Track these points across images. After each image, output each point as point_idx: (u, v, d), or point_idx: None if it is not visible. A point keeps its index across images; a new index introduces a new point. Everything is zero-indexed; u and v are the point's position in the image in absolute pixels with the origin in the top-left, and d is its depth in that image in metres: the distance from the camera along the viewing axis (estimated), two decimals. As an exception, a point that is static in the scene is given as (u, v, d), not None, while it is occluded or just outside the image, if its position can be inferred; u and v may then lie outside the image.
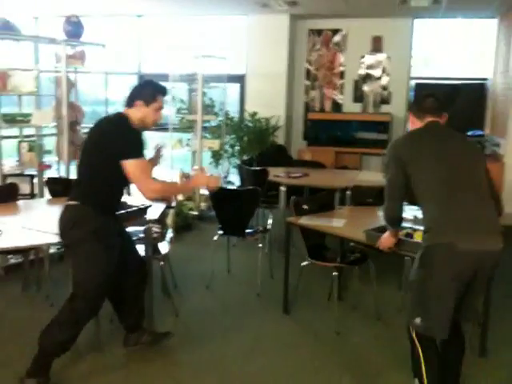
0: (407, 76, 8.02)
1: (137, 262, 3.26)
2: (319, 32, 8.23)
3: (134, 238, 3.91)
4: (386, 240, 2.94)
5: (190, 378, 3.08)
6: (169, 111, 7.07)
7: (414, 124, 2.79)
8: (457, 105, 7.56)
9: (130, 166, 2.80)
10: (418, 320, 2.53)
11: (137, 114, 2.92)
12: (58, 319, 2.87)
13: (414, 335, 2.58)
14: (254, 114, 7.76)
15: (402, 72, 7.98)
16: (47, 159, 5.15)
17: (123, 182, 2.95)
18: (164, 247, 3.95)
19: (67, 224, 2.87)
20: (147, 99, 2.93)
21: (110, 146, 2.84)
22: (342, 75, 8.24)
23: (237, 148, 7.72)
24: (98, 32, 5.52)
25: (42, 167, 4.87)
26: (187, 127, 7.13)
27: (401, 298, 4.08)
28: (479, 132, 7.28)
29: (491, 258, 2.50)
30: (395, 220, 2.77)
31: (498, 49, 7.41)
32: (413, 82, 8.02)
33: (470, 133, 7.21)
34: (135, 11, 8.18)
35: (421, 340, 2.56)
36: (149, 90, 2.97)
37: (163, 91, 3.02)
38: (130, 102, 2.95)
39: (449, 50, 8.39)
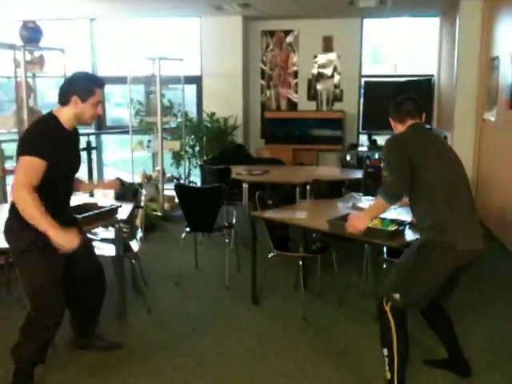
0: (358, 74, 8.34)
1: (92, 269, 3.17)
2: (272, 33, 8.46)
3: (105, 238, 4.04)
4: (360, 222, 2.97)
5: (168, 366, 3.22)
6: (128, 113, 7.14)
7: (397, 129, 2.96)
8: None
9: (20, 161, 2.61)
10: (396, 296, 2.72)
11: (72, 110, 2.75)
12: (23, 332, 2.87)
13: (387, 308, 2.75)
14: (213, 114, 7.91)
15: (353, 70, 8.31)
16: (8, 164, 5.15)
17: (54, 184, 2.72)
18: (134, 246, 4.07)
19: (5, 237, 2.80)
20: (83, 94, 2.73)
21: (22, 144, 2.70)
22: (295, 74, 8.50)
23: (197, 148, 7.85)
24: (51, 36, 5.51)
25: (5, 172, 4.88)
26: (147, 129, 7.21)
27: (361, 284, 4.33)
28: (427, 126, 7.65)
29: (477, 255, 2.78)
30: (397, 195, 2.86)
31: (441, 46, 7.83)
32: (363, 80, 8.36)
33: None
34: (88, 14, 8.16)
35: (394, 313, 2.74)
36: (84, 84, 2.76)
37: (100, 83, 2.83)
38: (64, 99, 2.75)
39: (396, 47, 8.78)
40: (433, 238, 2.68)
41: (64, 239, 2.63)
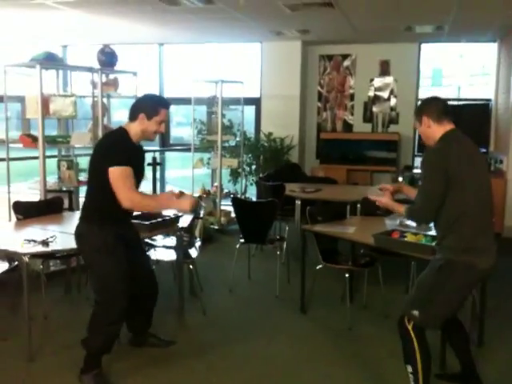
0: (415, 97, 8.46)
1: (145, 274, 3.44)
2: (330, 57, 8.74)
3: (166, 245, 4.40)
4: (386, 204, 3.17)
5: (219, 365, 3.50)
6: (190, 132, 7.59)
7: (429, 128, 2.83)
8: (463, 124, 7.98)
9: (111, 173, 2.92)
10: (416, 312, 2.77)
11: (139, 126, 3.07)
12: (89, 326, 3.22)
13: (409, 327, 2.80)
14: (270, 134, 8.26)
15: (410, 93, 8.43)
16: (82, 177, 5.64)
17: None
18: (193, 253, 4.41)
19: (76, 240, 3.18)
20: (149, 112, 3.05)
21: (101, 156, 3.04)
22: (352, 97, 8.73)
23: (254, 166, 8.21)
24: (124, 59, 6.02)
25: (81, 183, 5.36)
26: (207, 147, 7.63)
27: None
28: (483, 149, 7.68)
29: (492, 269, 2.86)
30: (422, 223, 3.06)
31: (499, 71, 7.86)
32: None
33: (474, 150, 7.60)
34: (157, 40, 8.75)
35: (416, 331, 2.79)
36: (151, 104, 3.09)
37: (165, 104, 3.14)
38: (133, 115, 3.08)
39: (459, 71, 8.86)
40: (454, 258, 2.71)
41: (183, 205, 3.06)
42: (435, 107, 2.85)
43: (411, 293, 2.91)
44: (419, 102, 3.21)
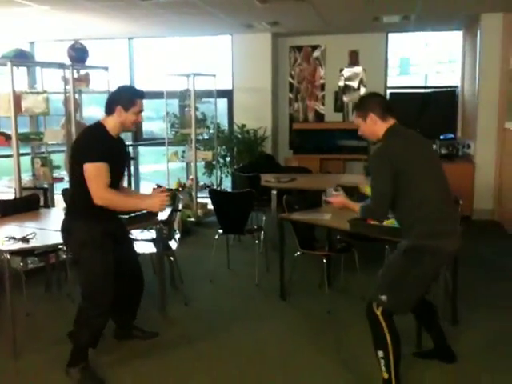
0: (384, 86, 8.62)
1: (132, 268, 3.49)
2: (300, 48, 8.84)
3: (146, 238, 4.43)
4: (342, 203, 3.26)
5: (203, 355, 3.57)
6: (161, 126, 7.59)
7: (375, 125, 2.92)
8: (430, 111, 8.20)
9: (86, 169, 2.97)
10: (383, 297, 2.82)
11: (117, 119, 3.10)
12: (76, 320, 3.26)
13: (378, 312, 2.85)
14: (243, 126, 8.33)
15: (379, 83, 8.57)
16: (56, 173, 5.61)
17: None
18: (172, 245, 4.46)
19: (62, 235, 3.23)
20: (126, 104, 3.08)
21: (77, 152, 3.09)
22: (322, 87, 8.85)
23: (228, 158, 8.27)
24: (94, 54, 5.99)
25: (56, 180, 5.35)
26: (181, 140, 7.65)
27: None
28: (450, 135, 7.89)
29: (457, 251, 3.02)
30: (379, 219, 3.22)
31: (465, 58, 8.07)
32: (388, 92, 8.64)
33: (441, 136, 7.82)
34: (126, 34, 8.69)
35: (385, 316, 2.84)
36: (126, 96, 3.12)
37: (140, 95, 3.17)
38: (110, 109, 3.11)
39: (425, 59, 9.06)
40: (421, 243, 2.79)
41: (153, 205, 3.11)
42: (380, 104, 2.94)
43: (378, 279, 2.95)
44: (366, 98, 3.22)
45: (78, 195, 3.17)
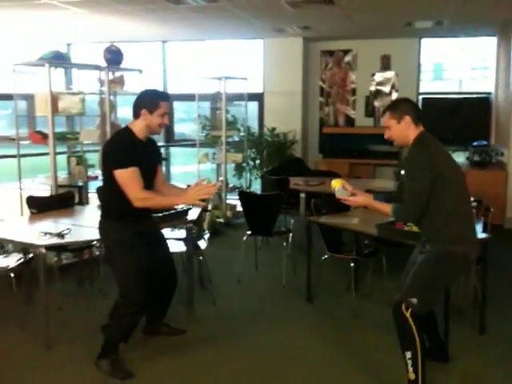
0: (416, 91, 8.56)
1: (166, 266, 3.57)
2: (331, 53, 8.85)
3: (176, 237, 4.52)
4: (366, 203, 3.13)
5: (228, 352, 3.63)
6: (192, 128, 7.71)
7: (409, 129, 2.93)
8: (463, 117, 8.11)
9: (116, 176, 3.08)
10: (414, 300, 2.89)
11: (142, 122, 3.18)
12: (111, 315, 3.35)
13: (407, 314, 2.90)
14: (273, 129, 8.39)
15: (411, 88, 8.53)
16: (90, 172, 5.76)
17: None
18: (202, 244, 4.54)
19: (100, 237, 3.38)
20: (150, 107, 3.15)
21: (106, 157, 3.20)
22: (353, 92, 8.84)
23: (258, 161, 8.34)
24: (129, 56, 6.12)
25: (91, 178, 5.50)
26: (212, 142, 7.74)
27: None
28: (483, 142, 7.78)
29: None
30: (407, 221, 3.26)
31: (499, 64, 7.96)
32: (421, 97, 8.58)
33: (475, 143, 7.72)
34: (160, 37, 8.86)
35: (414, 318, 2.90)
36: (150, 99, 3.18)
37: (164, 97, 3.24)
38: (136, 113, 3.19)
39: (460, 65, 8.96)
40: (453, 249, 2.88)
41: (189, 198, 3.14)
42: (415, 109, 2.98)
43: (407, 283, 2.99)
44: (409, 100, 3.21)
45: (109, 197, 3.32)
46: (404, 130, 2.95)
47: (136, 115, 3.21)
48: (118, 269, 3.30)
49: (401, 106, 3.01)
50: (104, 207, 3.43)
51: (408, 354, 2.91)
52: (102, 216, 3.35)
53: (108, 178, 3.19)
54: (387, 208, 3.04)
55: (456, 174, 2.94)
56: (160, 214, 3.84)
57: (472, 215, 3.03)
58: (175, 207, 4.15)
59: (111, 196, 3.26)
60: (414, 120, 2.94)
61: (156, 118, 3.19)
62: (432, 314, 3.34)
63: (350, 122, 8.92)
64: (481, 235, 3.58)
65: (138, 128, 3.22)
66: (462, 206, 2.92)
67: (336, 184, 3.19)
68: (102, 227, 3.33)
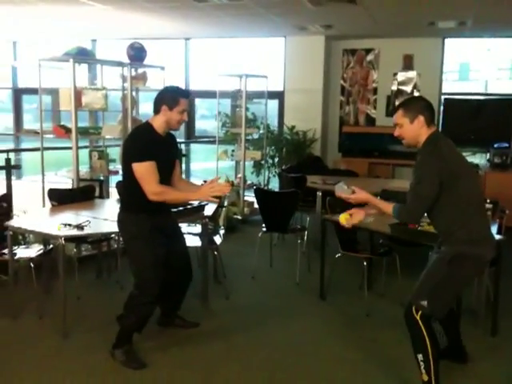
0: (438, 92, 8.49)
1: (182, 259, 3.64)
2: (353, 51, 8.83)
3: (192, 232, 4.60)
4: (368, 200, 3.13)
5: (241, 346, 3.69)
6: (214, 125, 7.79)
7: (421, 129, 2.88)
8: (485, 119, 8.03)
9: (135, 169, 3.17)
10: (424, 302, 2.87)
11: (162, 118, 3.25)
12: (126, 305, 3.44)
13: (417, 316, 2.89)
14: (293, 127, 8.41)
15: (433, 88, 8.45)
16: (112, 166, 5.88)
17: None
18: (217, 240, 4.61)
19: (119, 229, 3.47)
20: (170, 103, 3.22)
21: (126, 151, 3.30)
22: (375, 91, 8.81)
23: (276, 159, 8.38)
24: (151, 53, 6.21)
25: (112, 173, 5.61)
26: (231, 139, 7.82)
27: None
28: (505, 144, 7.70)
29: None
30: (409, 223, 3.26)
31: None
32: (443, 98, 8.51)
33: (495, 145, 7.64)
34: (183, 34, 8.95)
35: (424, 320, 2.89)
36: (170, 95, 3.26)
37: (184, 94, 3.31)
38: (156, 108, 3.27)
39: (487, 65, 8.86)
40: (466, 251, 2.83)
41: (203, 194, 3.24)
42: (429, 109, 2.92)
43: (418, 284, 2.97)
44: (413, 99, 3.19)
45: (128, 191, 3.39)
46: (416, 130, 2.90)
47: (156, 111, 3.28)
48: (134, 260, 3.39)
49: (415, 105, 2.95)
50: (123, 201, 3.53)
51: (420, 356, 2.92)
52: (121, 209, 3.44)
53: (127, 171, 3.27)
54: (388, 207, 3.01)
55: (468, 175, 2.90)
56: (176, 209, 3.91)
57: (486, 216, 3.00)
58: (191, 203, 4.23)
59: (130, 190, 3.34)
60: (427, 120, 2.89)
61: (175, 114, 3.26)
62: (453, 314, 3.35)
63: (370, 121, 8.89)
64: (496, 237, 3.56)
65: (158, 123, 3.29)
66: (475, 206, 2.88)
67: (343, 219, 3.27)
68: (121, 220, 3.42)
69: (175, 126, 3.36)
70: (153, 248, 3.32)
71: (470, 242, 2.84)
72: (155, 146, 3.26)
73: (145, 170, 3.18)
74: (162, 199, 3.27)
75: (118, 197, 5.01)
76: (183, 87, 3.52)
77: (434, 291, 2.90)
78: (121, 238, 3.83)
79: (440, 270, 2.90)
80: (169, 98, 3.26)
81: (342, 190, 3.18)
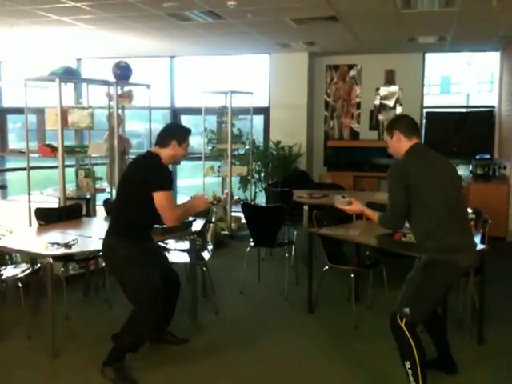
0: (420, 105, 8.65)
1: (172, 276, 3.73)
2: (336, 67, 8.98)
3: (181, 248, 4.62)
4: (361, 210, 3.46)
5: (231, 360, 3.70)
6: (199, 141, 7.85)
7: (399, 143, 3.09)
8: (467, 131, 8.19)
9: (159, 197, 3.27)
10: (406, 310, 2.97)
11: (170, 152, 3.41)
12: (125, 327, 3.43)
13: (402, 324, 2.98)
14: (278, 142, 8.50)
15: (415, 101, 8.62)
16: (98, 184, 5.89)
17: (151, 211, 3.34)
18: (206, 255, 4.63)
19: (105, 254, 3.49)
20: (180, 140, 3.45)
21: (145, 179, 3.31)
22: (358, 106, 8.95)
23: (263, 174, 8.44)
24: (136, 70, 6.26)
25: (98, 191, 5.62)
26: (218, 155, 7.87)
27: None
28: (486, 156, 7.85)
29: (471, 266, 3.18)
30: (392, 230, 3.48)
31: (502, 78, 8.04)
32: (425, 111, 8.66)
33: (477, 156, 7.79)
34: (169, 52, 9.03)
35: (408, 327, 2.97)
36: (181, 132, 3.51)
37: (190, 132, 3.60)
38: (165, 143, 3.42)
39: (467, 79, 9.04)
40: (437, 258, 2.96)
41: (199, 204, 3.56)
42: (405, 124, 3.14)
43: (401, 293, 3.08)
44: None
45: (128, 218, 3.41)
46: (396, 144, 3.15)
47: (164, 144, 3.43)
48: (132, 285, 3.38)
49: (392, 123, 3.23)
50: (116, 225, 3.47)
51: (408, 364, 2.98)
52: (115, 235, 3.42)
53: (136, 197, 3.33)
54: (375, 216, 3.27)
55: (436, 186, 2.98)
56: (162, 226, 3.93)
57: (461, 224, 3.06)
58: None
59: (131, 215, 3.38)
60: (404, 134, 3.10)
61: (182, 149, 3.48)
62: (441, 325, 3.42)
63: (354, 135, 9.01)
64: (479, 247, 3.63)
65: (166, 156, 3.42)
66: (444, 216, 2.96)
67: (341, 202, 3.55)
68: (112, 245, 3.41)
69: (179, 160, 3.59)
70: (147, 269, 3.39)
71: (440, 249, 2.97)
72: (170, 178, 3.42)
73: (169, 199, 3.31)
74: (179, 222, 3.53)
75: (104, 215, 5.04)
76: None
77: (413, 298, 3.01)
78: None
79: (416, 277, 3.04)
80: (179, 134, 3.49)
81: (340, 201, 3.48)
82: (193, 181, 9.75)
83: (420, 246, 3.09)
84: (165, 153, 3.42)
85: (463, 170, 8.38)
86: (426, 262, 3.00)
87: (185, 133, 3.53)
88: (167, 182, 3.34)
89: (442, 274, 2.98)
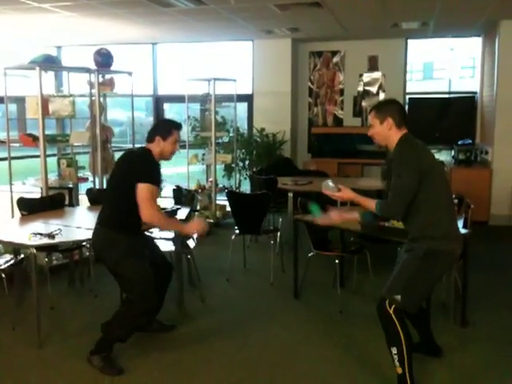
0: (403, 91, 8.68)
1: (163, 264, 3.75)
2: (319, 54, 8.97)
3: (166, 237, 4.61)
4: (351, 198, 3.22)
5: (217, 347, 3.72)
6: (184, 129, 7.79)
7: (390, 130, 3.01)
8: (449, 117, 8.25)
9: (141, 188, 3.22)
10: (398, 297, 2.95)
11: (156, 147, 3.38)
12: (117, 317, 3.41)
13: (390, 310, 2.96)
14: (262, 129, 8.49)
15: (398, 88, 8.64)
16: (81, 174, 5.83)
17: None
18: (191, 244, 4.62)
19: (100, 247, 3.42)
20: (164, 134, 3.39)
21: (135, 172, 3.31)
22: (341, 92, 8.96)
23: (247, 161, 8.43)
24: (118, 58, 6.17)
25: (81, 180, 5.57)
26: (202, 143, 7.84)
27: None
28: (468, 141, 7.92)
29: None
30: (392, 218, 3.35)
31: (484, 64, 8.10)
32: (408, 97, 8.70)
33: (460, 142, 7.86)
34: (150, 39, 8.93)
35: (397, 314, 2.96)
36: (165, 127, 3.46)
37: (177, 126, 3.49)
38: (151, 138, 3.41)
39: (449, 64, 9.08)
40: (439, 247, 2.95)
41: (194, 228, 3.53)
42: (399, 112, 3.05)
43: (391, 280, 3.04)
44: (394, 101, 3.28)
45: (120, 210, 3.38)
46: (385, 131, 3.04)
47: (150, 140, 3.41)
48: (128, 277, 3.36)
49: (386, 107, 3.09)
50: (107, 218, 3.43)
51: (394, 350, 2.98)
52: (107, 227, 3.39)
53: (128, 190, 3.27)
54: (371, 203, 3.07)
55: (439, 174, 3.04)
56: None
57: (455, 212, 3.13)
58: (165, 207, 4.27)
59: (123, 208, 3.35)
60: (396, 122, 3.02)
61: (168, 144, 3.41)
62: (423, 310, 3.45)
63: (338, 122, 9.03)
64: (462, 231, 3.68)
65: (155, 152, 3.41)
66: (446, 204, 3.03)
67: (316, 211, 3.53)
68: (107, 239, 3.37)
69: (168, 157, 3.49)
70: (144, 261, 3.40)
71: (443, 238, 2.97)
72: (160, 174, 3.39)
73: (150, 193, 3.25)
74: (154, 223, 3.41)
75: (89, 205, 5.00)
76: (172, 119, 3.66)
77: (407, 286, 2.98)
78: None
79: (413, 265, 3.00)
80: (163, 129, 3.43)
81: (328, 187, 3.26)
82: (177, 169, 9.71)
83: (422, 234, 3.00)
84: (153, 148, 3.40)
85: (445, 156, 8.46)
86: (427, 250, 2.95)
87: (168, 127, 3.45)
88: (155, 177, 3.30)
89: (442, 263, 3.01)
